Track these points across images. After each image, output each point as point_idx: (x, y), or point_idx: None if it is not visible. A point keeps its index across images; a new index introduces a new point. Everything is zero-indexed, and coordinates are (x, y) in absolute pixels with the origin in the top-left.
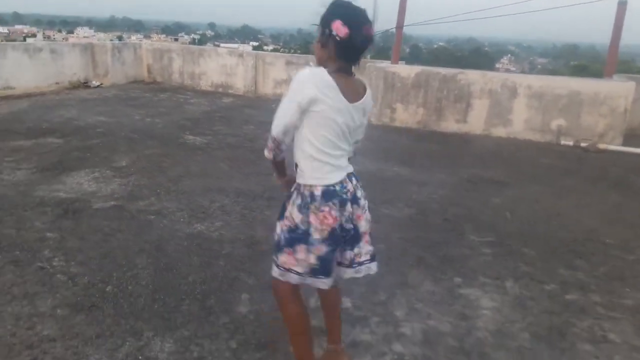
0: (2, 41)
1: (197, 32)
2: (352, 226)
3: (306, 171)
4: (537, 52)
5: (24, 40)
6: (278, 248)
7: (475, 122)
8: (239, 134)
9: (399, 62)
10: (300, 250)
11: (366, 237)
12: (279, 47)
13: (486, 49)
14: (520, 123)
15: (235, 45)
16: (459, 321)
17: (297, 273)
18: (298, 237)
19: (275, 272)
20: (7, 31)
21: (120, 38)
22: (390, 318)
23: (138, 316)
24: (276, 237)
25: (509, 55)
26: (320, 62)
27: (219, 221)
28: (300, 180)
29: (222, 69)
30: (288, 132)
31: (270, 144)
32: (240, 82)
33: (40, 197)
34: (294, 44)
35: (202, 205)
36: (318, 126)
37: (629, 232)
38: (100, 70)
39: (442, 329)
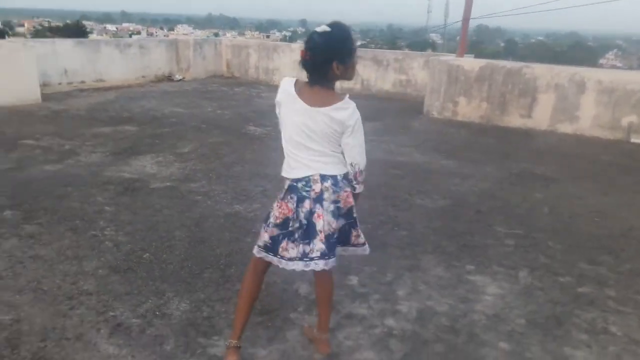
0: (111, 37)
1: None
2: (306, 222)
3: (283, 164)
4: None
5: (130, 37)
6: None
7: (540, 117)
8: None
9: (466, 55)
10: (262, 228)
11: (321, 236)
12: (366, 42)
13: (589, 43)
14: (588, 119)
15: None
16: (458, 304)
17: (258, 246)
18: (265, 217)
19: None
20: (116, 29)
21: (216, 35)
22: (391, 296)
23: (165, 279)
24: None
25: (615, 50)
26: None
27: (257, 203)
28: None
29: (294, 64)
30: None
31: None
32: None
33: (107, 176)
34: (381, 40)
35: (246, 188)
36: (284, 126)
37: None
38: (183, 64)
39: (439, 310)
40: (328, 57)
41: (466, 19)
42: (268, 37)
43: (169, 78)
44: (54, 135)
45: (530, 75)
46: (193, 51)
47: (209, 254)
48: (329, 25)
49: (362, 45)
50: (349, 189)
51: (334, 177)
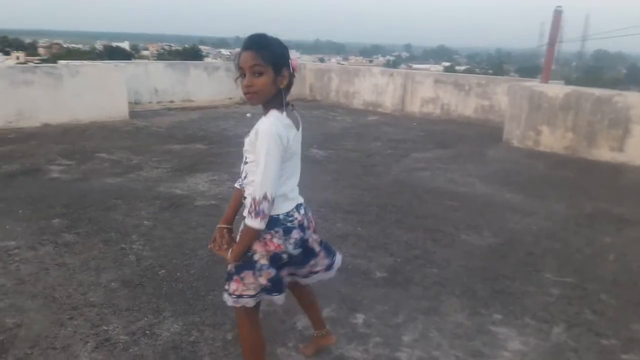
0: (225, 60)
1: (393, 53)
2: (300, 249)
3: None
4: None
5: None
6: (228, 276)
7: (634, 151)
8: (361, 150)
9: (551, 81)
10: (247, 276)
11: (322, 254)
12: (472, 67)
13: None
14: None
15: (427, 66)
16: (468, 357)
17: (250, 296)
18: (244, 264)
19: (228, 300)
20: (229, 53)
21: (321, 60)
22: (394, 341)
23: (169, 298)
24: (229, 267)
25: None
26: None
27: None
28: None
29: (374, 88)
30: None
31: None
32: (388, 101)
33: (158, 192)
34: (487, 64)
35: None
36: (295, 158)
37: None
38: None
39: None
40: None
41: (551, 43)
42: (371, 61)
43: None
44: (126, 149)
45: (622, 104)
46: None
47: (222, 276)
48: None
49: (466, 70)
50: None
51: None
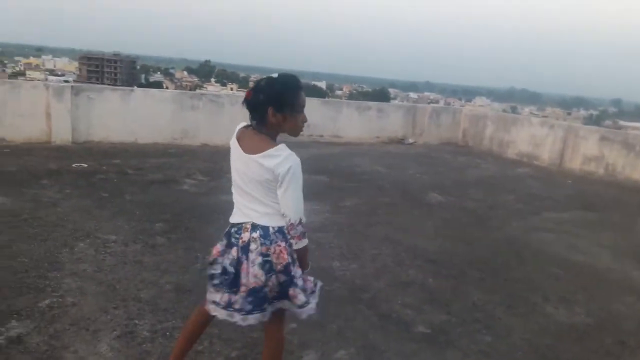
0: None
1: (598, 108)
2: (233, 270)
3: None
4: None
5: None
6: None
7: None
8: (485, 201)
9: None
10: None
11: (242, 289)
12: None
13: None
14: None
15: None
16: None
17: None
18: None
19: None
20: (417, 96)
21: (513, 109)
22: None
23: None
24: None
25: None
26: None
27: (356, 264)
28: None
29: (531, 139)
30: None
31: None
32: (545, 154)
33: None
34: None
35: (362, 248)
36: (232, 171)
37: None
38: (418, 129)
39: None
40: (265, 100)
41: None
42: (569, 114)
43: (401, 141)
44: None
45: None
46: (429, 118)
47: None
48: (279, 74)
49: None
50: (283, 244)
51: (265, 228)
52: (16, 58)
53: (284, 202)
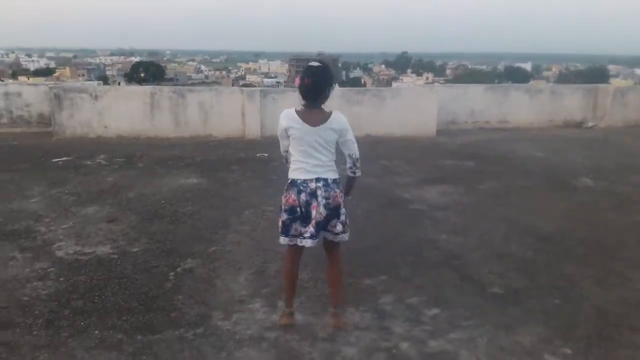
0: (636, 83)
1: None
2: (304, 210)
3: (289, 169)
4: None
5: None
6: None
7: None
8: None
9: None
10: (280, 217)
11: (313, 222)
12: None
13: None
14: None
15: None
16: None
17: (280, 232)
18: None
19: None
20: None
21: None
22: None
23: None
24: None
25: None
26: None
27: (461, 238)
28: None
29: None
30: (286, 149)
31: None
32: None
33: (391, 193)
34: None
35: (475, 226)
36: (297, 141)
37: None
38: (599, 112)
39: None
40: (326, 83)
41: None
42: None
43: (579, 124)
44: (403, 159)
45: None
46: (612, 99)
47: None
48: (319, 60)
49: None
50: (338, 190)
51: (325, 180)
52: (238, 64)
53: (348, 145)
